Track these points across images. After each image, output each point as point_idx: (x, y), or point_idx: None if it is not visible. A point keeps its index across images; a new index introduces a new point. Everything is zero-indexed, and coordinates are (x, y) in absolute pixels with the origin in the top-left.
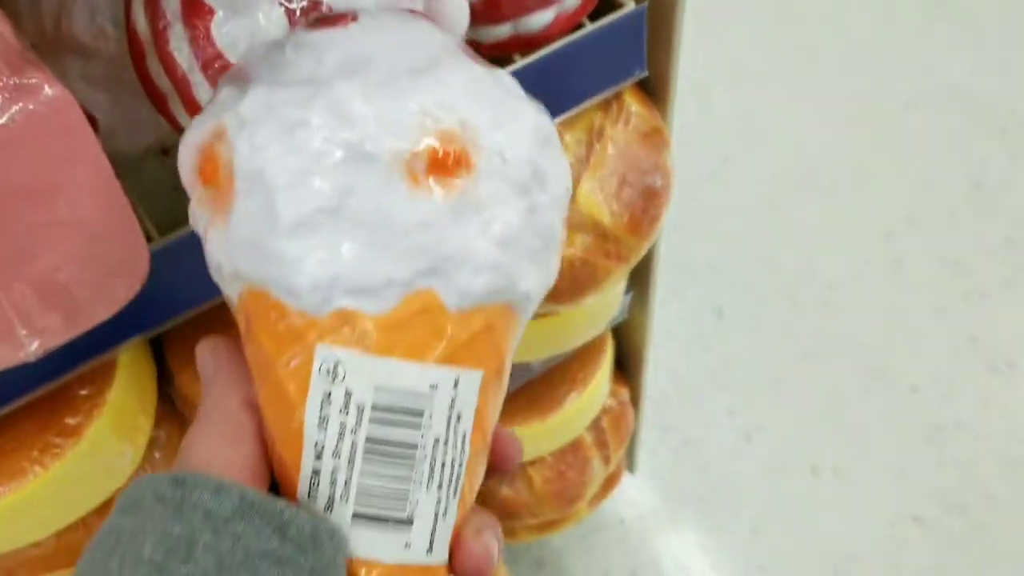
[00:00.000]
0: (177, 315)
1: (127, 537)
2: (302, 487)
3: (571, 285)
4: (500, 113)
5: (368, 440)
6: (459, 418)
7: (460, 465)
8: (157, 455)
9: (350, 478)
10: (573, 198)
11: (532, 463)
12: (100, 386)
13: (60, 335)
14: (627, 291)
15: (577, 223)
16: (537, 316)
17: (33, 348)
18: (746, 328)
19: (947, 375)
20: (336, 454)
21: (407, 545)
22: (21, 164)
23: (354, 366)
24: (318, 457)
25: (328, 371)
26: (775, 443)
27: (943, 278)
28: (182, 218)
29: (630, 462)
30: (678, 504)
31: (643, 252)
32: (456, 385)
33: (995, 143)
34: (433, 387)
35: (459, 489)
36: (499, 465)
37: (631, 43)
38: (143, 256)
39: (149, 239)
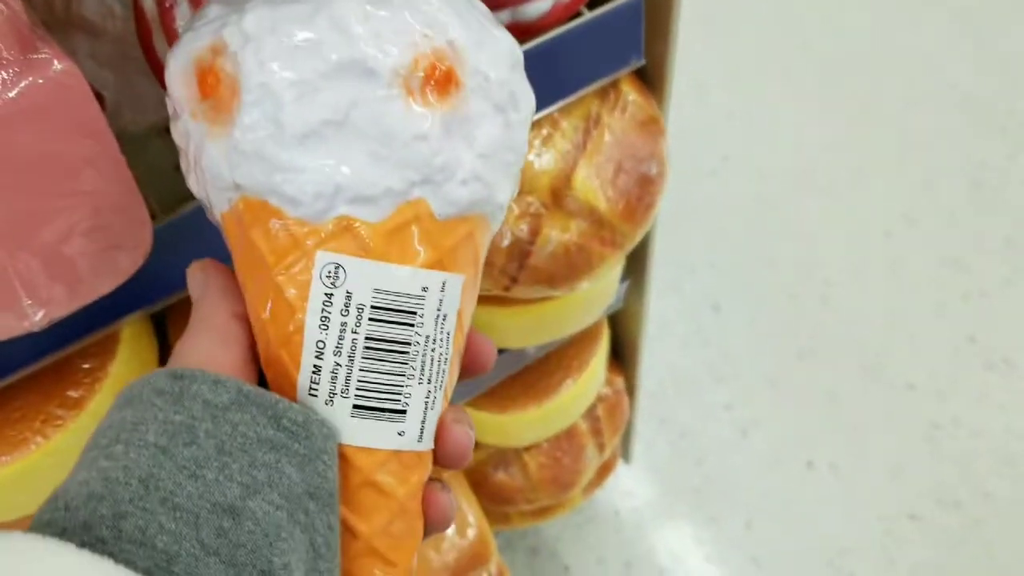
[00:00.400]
0: (179, 291)
1: (129, 426)
2: (302, 383)
3: (566, 270)
4: (481, 36)
5: (368, 339)
6: (445, 318)
7: (445, 361)
8: None
9: (350, 374)
10: (569, 184)
11: (528, 449)
12: (103, 359)
13: (64, 306)
14: (623, 279)
15: (573, 209)
16: (533, 301)
17: (38, 318)
18: (744, 324)
19: (945, 373)
20: (337, 351)
21: (401, 434)
22: (29, 137)
23: (354, 270)
24: (319, 356)
25: (329, 275)
26: (771, 438)
27: (942, 277)
28: (184, 197)
29: (626, 452)
30: (673, 496)
31: (637, 239)
32: (443, 288)
33: (995, 142)
34: (424, 289)
35: (444, 383)
36: (474, 366)
37: (629, 31)
38: (147, 230)
39: (152, 217)
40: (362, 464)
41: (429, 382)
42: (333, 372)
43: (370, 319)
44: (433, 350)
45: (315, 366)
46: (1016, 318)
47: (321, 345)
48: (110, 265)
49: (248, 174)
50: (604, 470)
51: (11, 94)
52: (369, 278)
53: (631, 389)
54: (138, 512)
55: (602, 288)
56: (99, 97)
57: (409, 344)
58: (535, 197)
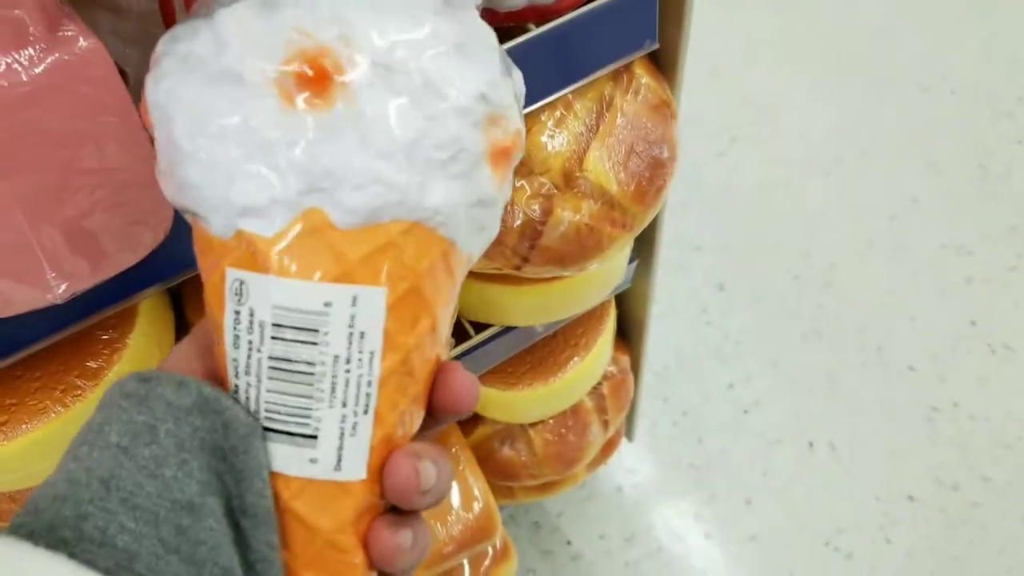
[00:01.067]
0: (195, 268)
1: (95, 428)
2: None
3: (577, 250)
4: (392, 24)
5: (271, 358)
6: (362, 336)
7: (369, 384)
8: None
9: (259, 394)
10: (582, 165)
11: (533, 425)
12: (121, 331)
13: (87, 280)
14: (632, 260)
15: (584, 190)
16: (542, 281)
17: (61, 291)
18: (748, 305)
19: (946, 356)
20: (247, 371)
21: (314, 460)
22: (55, 112)
23: (254, 286)
24: (236, 374)
25: (236, 292)
26: (773, 418)
27: (945, 261)
28: None
29: (629, 430)
30: (675, 473)
31: (647, 221)
32: (354, 303)
33: (1002, 128)
34: (327, 305)
35: (371, 408)
36: (449, 406)
37: (643, 15)
38: (168, 207)
39: None
40: (280, 489)
41: (344, 406)
42: (246, 392)
43: (272, 337)
44: (347, 371)
45: (235, 385)
46: (1018, 304)
47: (235, 363)
48: (132, 240)
49: (170, 194)
50: (608, 447)
51: (37, 70)
52: (268, 294)
53: (636, 368)
54: (98, 512)
55: (611, 268)
56: (123, 74)
57: (314, 364)
58: (548, 178)
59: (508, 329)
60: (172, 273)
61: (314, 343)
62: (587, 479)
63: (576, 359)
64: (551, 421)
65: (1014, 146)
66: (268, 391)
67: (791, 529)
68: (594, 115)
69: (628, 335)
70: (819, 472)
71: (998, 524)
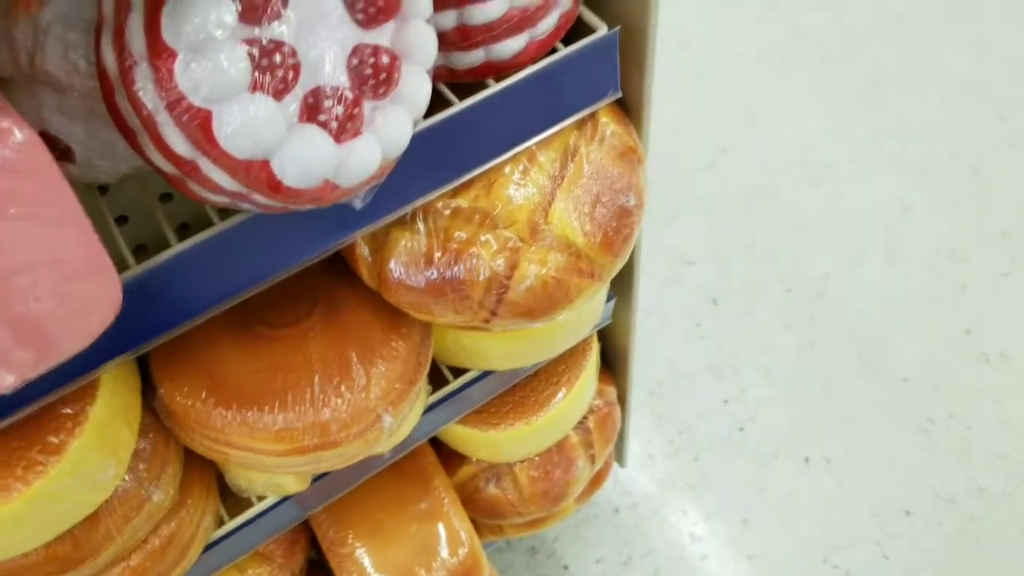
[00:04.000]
0: (157, 336)
1: None
2: None
3: (545, 303)
4: None
5: None
6: None
7: None
8: (141, 466)
9: None
10: (547, 218)
11: (519, 462)
12: (83, 404)
13: (34, 368)
14: (610, 298)
15: (550, 243)
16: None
17: (8, 382)
18: (741, 317)
19: (941, 366)
20: None
21: None
22: None
23: None
24: None
25: None
26: (768, 433)
27: (939, 268)
28: (162, 241)
29: (620, 455)
30: (671, 493)
31: (616, 269)
32: None
33: (994, 131)
34: None
35: None
36: None
37: (604, 66)
38: (115, 289)
39: (128, 266)
40: None
41: None
42: None
43: None
44: None
45: None
46: (1012, 311)
47: None
48: (80, 326)
49: None
50: (597, 479)
51: None
52: None
53: (622, 397)
54: None
55: (586, 312)
56: (68, 151)
57: None
58: (513, 231)
59: (487, 372)
60: (132, 344)
61: None
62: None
63: (559, 396)
64: (537, 458)
65: (1006, 150)
66: None
67: (789, 547)
68: (559, 166)
69: (613, 365)
70: (815, 488)
71: (995, 536)
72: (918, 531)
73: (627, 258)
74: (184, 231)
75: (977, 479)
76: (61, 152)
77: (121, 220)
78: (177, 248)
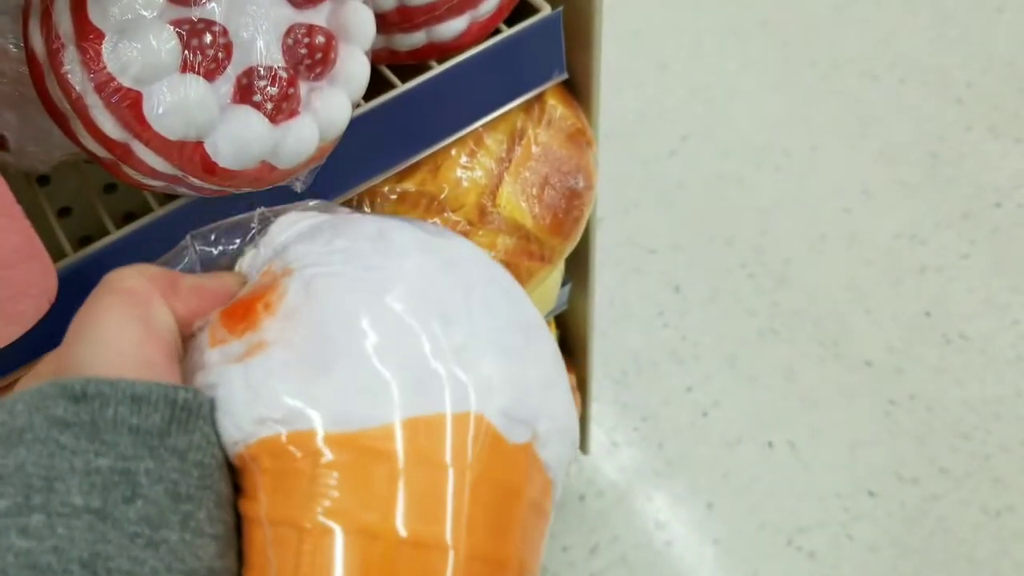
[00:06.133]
0: None
1: (39, 482)
2: None
3: None
4: None
5: None
6: None
7: None
8: None
9: None
10: (495, 200)
11: None
12: None
13: None
14: (565, 283)
15: (499, 225)
16: None
17: None
18: (704, 304)
19: (902, 348)
20: None
21: None
22: None
23: None
24: None
25: None
26: (732, 418)
27: (899, 251)
28: (100, 229)
29: (583, 444)
30: (637, 481)
31: (567, 251)
32: None
33: (952, 114)
34: None
35: None
36: None
37: (548, 47)
38: (50, 278)
39: (64, 255)
40: None
41: None
42: None
43: None
44: None
45: None
46: (972, 292)
47: None
48: (13, 315)
49: None
50: None
51: None
52: None
53: (583, 384)
54: None
55: (540, 297)
56: (1, 139)
57: None
58: (461, 215)
59: None
60: None
61: None
62: None
63: None
64: None
65: (964, 133)
66: None
67: (753, 531)
68: (506, 148)
69: (573, 353)
70: (779, 471)
71: (958, 515)
72: (882, 512)
73: (577, 240)
74: (129, 221)
75: (939, 459)
76: None
77: (65, 212)
78: (115, 235)
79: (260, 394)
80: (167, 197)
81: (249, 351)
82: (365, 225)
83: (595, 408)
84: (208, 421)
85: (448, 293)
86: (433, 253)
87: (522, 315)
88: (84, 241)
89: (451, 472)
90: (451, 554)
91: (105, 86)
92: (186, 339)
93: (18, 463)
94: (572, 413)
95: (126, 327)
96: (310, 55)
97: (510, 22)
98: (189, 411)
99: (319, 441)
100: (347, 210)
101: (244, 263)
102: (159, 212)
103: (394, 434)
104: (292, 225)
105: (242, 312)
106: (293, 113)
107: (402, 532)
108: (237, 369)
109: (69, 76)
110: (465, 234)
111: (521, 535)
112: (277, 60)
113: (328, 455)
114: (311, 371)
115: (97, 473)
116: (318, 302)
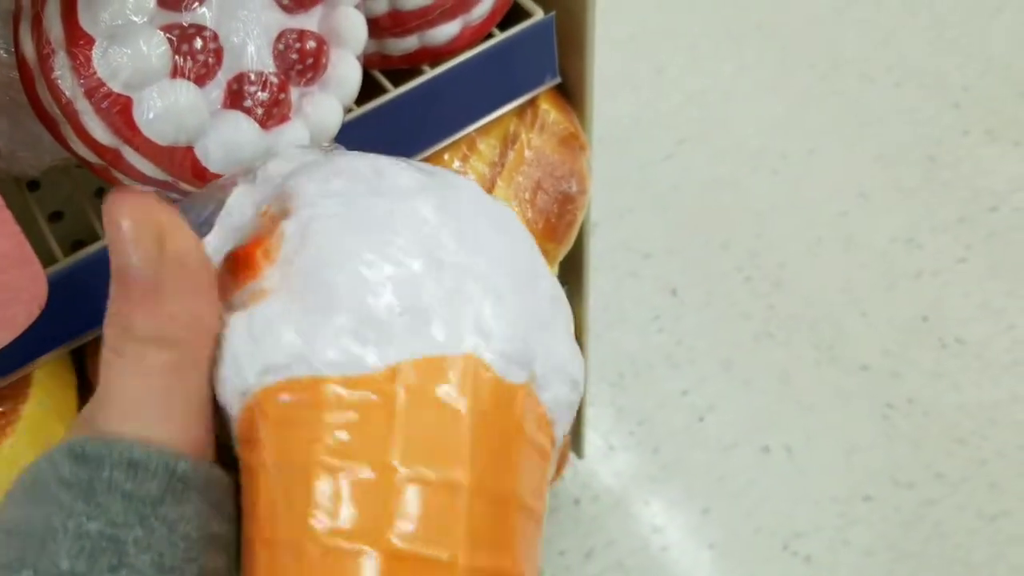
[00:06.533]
0: (88, 332)
1: (36, 541)
2: None
3: None
4: None
5: None
6: None
7: None
8: None
9: None
10: None
11: None
12: (15, 402)
13: None
14: None
15: None
16: None
17: None
18: (700, 308)
19: (898, 353)
20: None
21: None
22: None
23: None
24: None
25: None
26: (728, 423)
27: (895, 255)
28: (93, 234)
29: (578, 448)
30: (632, 485)
31: (560, 256)
32: None
33: (949, 118)
34: None
35: None
36: None
37: (541, 51)
38: (40, 283)
39: (55, 260)
40: None
41: None
42: None
43: None
44: None
45: None
46: (968, 296)
47: None
48: (2, 320)
49: None
50: (555, 472)
51: None
52: None
53: None
54: None
55: None
56: None
57: None
58: None
59: None
60: (64, 338)
61: None
62: None
63: None
64: None
65: (961, 137)
66: None
67: (749, 535)
68: (499, 152)
69: None
70: (775, 476)
71: (953, 520)
72: (878, 516)
73: (571, 245)
74: None
75: (936, 464)
76: None
77: (56, 217)
78: (106, 240)
79: (263, 343)
80: None
81: (252, 298)
82: (362, 164)
83: (590, 412)
84: (203, 494)
85: (446, 232)
86: (431, 191)
87: (522, 255)
88: (75, 246)
89: (452, 411)
90: (460, 490)
91: (95, 91)
92: None
93: (27, 518)
94: (572, 354)
95: (170, 407)
96: (301, 60)
97: (503, 26)
98: (186, 483)
99: (322, 386)
100: (343, 148)
101: (233, 202)
102: None
103: (395, 376)
104: (290, 162)
105: (243, 260)
106: (284, 118)
107: (401, 470)
108: (240, 319)
109: (59, 82)
110: None
111: (521, 471)
112: (268, 65)
113: (331, 399)
114: (312, 317)
115: (87, 537)
116: (316, 246)
